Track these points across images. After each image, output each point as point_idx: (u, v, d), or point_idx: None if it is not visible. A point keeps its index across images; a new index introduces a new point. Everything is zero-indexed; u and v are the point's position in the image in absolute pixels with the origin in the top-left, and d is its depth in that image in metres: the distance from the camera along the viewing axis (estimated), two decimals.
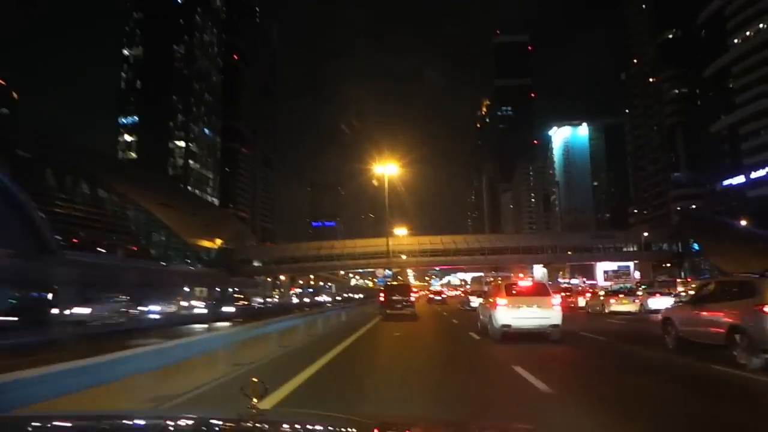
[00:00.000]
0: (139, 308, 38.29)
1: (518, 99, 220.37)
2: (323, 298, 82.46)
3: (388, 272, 75.29)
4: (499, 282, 19.21)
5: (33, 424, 1.91)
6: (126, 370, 4.97)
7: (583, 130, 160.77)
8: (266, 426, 1.79)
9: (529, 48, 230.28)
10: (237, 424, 1.85)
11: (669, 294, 33.79)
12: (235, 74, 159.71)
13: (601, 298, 33.18)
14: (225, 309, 47.08)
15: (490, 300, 14.91)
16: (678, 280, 62.93)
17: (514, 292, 14.20)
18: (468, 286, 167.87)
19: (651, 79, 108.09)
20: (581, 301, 36.48)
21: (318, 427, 1.98)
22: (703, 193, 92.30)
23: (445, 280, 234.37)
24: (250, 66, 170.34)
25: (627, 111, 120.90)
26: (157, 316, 37.92)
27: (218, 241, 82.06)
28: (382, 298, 27.23)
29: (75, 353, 5.10)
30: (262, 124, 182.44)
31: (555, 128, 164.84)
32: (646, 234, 77.77)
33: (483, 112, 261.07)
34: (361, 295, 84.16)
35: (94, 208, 59.94)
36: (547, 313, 13.36)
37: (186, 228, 73.33)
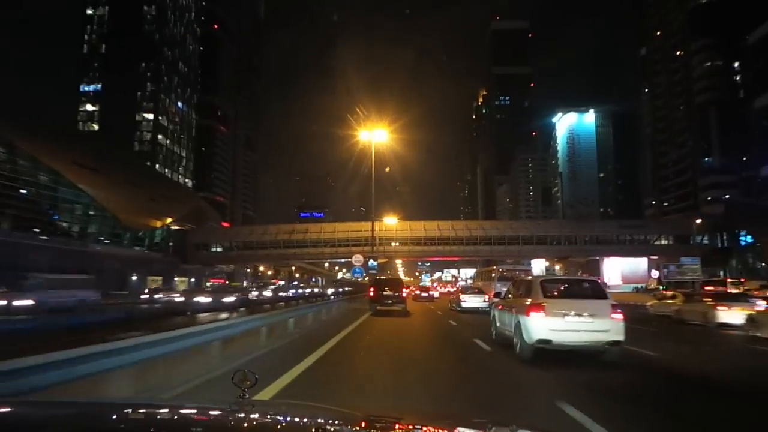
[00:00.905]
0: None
1: (517, 88, 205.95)
2: (291, 292, 66.50)
3: (372, 263, 59.36)
4: (530, 277, 12.19)
5: (25, 410, 1.86)
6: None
7: (589, 117, 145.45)
8: (256, 415, 1.74)
9: (530, 35, 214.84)
10: (226, 414, 1.78)
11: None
12: (215, 45, 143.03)
13: (706, 302, 19.85)
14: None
15: (519, 302, 9.89)
16: (729, 279, 48.89)
17: (554, 292, 9.56)
18: (462, 283, 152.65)
19: (678, 52, 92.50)
20: None
21: (305, 419, 1.92)
22: (740, 180, 77.02)
23: (435, 275, 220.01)
24: (233, 39, 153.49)
25: (646, 90, 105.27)
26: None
27: (168, 220, 65.48)
28: (372, 293, 25.23)
29: None
30: (245, 103, 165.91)
31: (560, 115, 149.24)
32: (698, 221, 62.01)
33: (479, 103, 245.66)
34: (346, 289, 68.45)
35: None
36: (604, 324, 8.82)
37: (124, 201, 56.83)
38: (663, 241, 68.00)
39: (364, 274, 47.35)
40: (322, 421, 1.85)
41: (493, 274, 35.11)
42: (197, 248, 67.26)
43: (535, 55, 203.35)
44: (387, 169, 62.28)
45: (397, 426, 1.91)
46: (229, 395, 1.89)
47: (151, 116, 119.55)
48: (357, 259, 37.14)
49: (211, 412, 1.96)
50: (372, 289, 26.05)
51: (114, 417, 1.77)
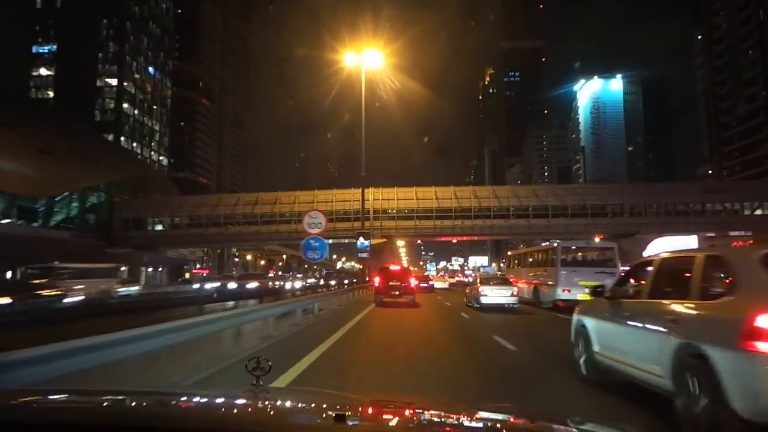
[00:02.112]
0: None
1: (528, 63, 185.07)
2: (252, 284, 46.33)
3: (363, 242, 40.13)
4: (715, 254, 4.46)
5: (45, 398, 1.86)
6: None
7: (616, 84, 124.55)
8: (267, 403, 1.74)
9: (541, 6, 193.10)
10: (240, 401, 1.83)
11: None
12: (194, 6, 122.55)
13: None
14: None
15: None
16: None
17: None
18: (470, 273, 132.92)
19: None
20: None
21: (313, 404, 1.93)
22: None
23: (441, 264, 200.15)
24: (215, 1, 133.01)
25: (699, 37, 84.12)
26: None
27: (81, 186, 45.55)
28: (378, 284, 21.94)
29: None
30: (232, 75, 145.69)
31: (582, 82, 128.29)
32: None
33: (486, 82, 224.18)
34: (330, 283, 49.36)
35: None
36: None
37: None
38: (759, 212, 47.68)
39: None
40: (335, 406, 1.78)
41: (558, 255, 19.24)
42: (126, 226, 47.17)
43: (548, 26, 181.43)
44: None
45: (407, 411, 1.85)
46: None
47: (114, 82, 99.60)
48: (307, 218, 17.11)
49: (225, 399, 1.96)
50: (378, 280, 22.15)
51: (129, 405, 1.75)
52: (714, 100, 79.98)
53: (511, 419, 1.85)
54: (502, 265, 63.88)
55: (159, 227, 50.46)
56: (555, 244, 21.26)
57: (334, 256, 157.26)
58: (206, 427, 1.42)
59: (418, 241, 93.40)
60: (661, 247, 46.98)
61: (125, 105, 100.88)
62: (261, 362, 1.83)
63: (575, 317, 6.50)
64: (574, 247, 21.71)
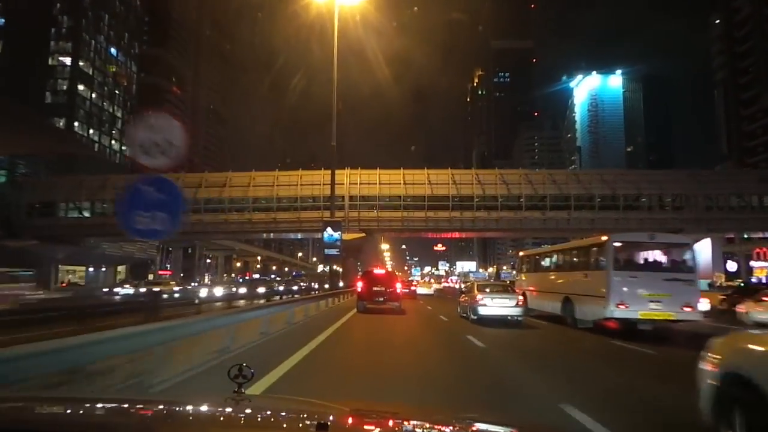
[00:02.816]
0: None
1: (518, 64, 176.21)
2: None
3: (331, 235, 28.67)
4: None
5: (21, 404, 1.79)
6: None
7: (615, 81, 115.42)
8: (249, 411, 1.73)
9: (532, 6, 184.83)
10: (220, 409, 1.79)
11: None
12: None
13: None
14: None
15: None
16: None
17: None
18: (457, 280, 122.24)
19: None
20: None
21: (295, 413, 1.87)
22: None
23: (426, 269, 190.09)
24: None
25: (717, 22, 74.82)
26: None
27: None
28: (360, 289, 20.02)
29: None
30: (209, 65, 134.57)
31: (579, 77, 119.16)
32: None
33: (475, 84, 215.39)
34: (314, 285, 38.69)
35: None
36: None
37: None
38: None
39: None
40: (317, 415, 1.73)
41: (609, 254, 13.20)
42: (31, 212, 35.57)
43: (540, 25, 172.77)
44: None
45: (390, 420, 1.81)
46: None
47: (68, 60, 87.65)
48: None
49: (207, 407, 1.89)
50: (361, 285, 20.30)
51: (109, 412, 1.70)
52: (734, 91, 70.55)
53: (494, 430, 1.77)
54: (512, 269, 53.23)
55: (86, 214, 38.80)
56: (603, 238, 14.06)
57: (314, 259, 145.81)
58: None
59: (403, 246, 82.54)
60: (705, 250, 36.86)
61: (81, 87, 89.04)
62: (243, 370, 1.77)
63: (713, 366, 3.49)
64: (632, 242, 14.66)
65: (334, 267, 32.77)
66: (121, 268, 77.00)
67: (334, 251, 29.31)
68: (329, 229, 29.06)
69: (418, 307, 24.30)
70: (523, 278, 20.57)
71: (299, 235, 45.07)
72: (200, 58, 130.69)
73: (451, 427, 1.80)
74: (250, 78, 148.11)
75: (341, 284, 31.38)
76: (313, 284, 44.63)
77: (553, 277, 17.56)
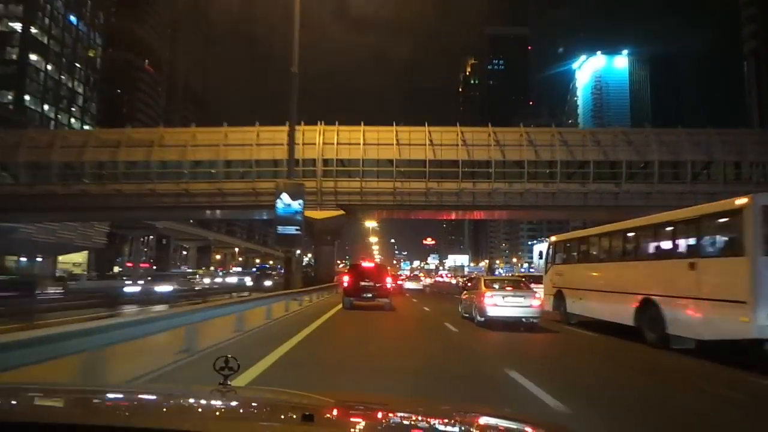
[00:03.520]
0: None
1: (512, 51, 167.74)
2: None
3: (288, 205, 16.49)
4: None
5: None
6: None
7: (621, 62, 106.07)
8: (235, 402, 1.69)
9: None
10: (205, 400, 1.74)
11: None
12: None
13: None
14: None
15: None
16: None
17: None
18: (448, 274, 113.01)
19: None
20: None
21: (281, 404, 1.84)
22: None
23: (415, 264, 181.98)
24: None
25: None
26: None
27: None
28: (346, 284, 18.15)
29: None
30: (189, 45, 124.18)
31: (583, 58, 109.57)
32: None
33: (468, 72, 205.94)
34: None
35: None
36: None
37: None
38: None
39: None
40: (303, 406, 1.71)
41: (752, 226, 7.72)
42: None
43: (536, 7, 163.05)
44: None
45: (379, 412, 1.77)
46: None
47: (18, 26, 76.50)
48: None
49: (193, 398, 1.86)
50: (347, 279, 18.44)
51: (95, 401, 1.68)
52: (763, 68, 61.17)
53: (482, 421, 1.70)
54: (506, 263, 42.54)
55: None
56: (741, 201, 8.19)
57: (298, 252, 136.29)
58: (174, 427, 1.33)
59: (392, 240, 71.99)
60: None
61: (33, 57, 77.98)
62: (229, 361, 1.73)
63: None
64: None
65: (299, 254, 22.74)
66: (80, 258, 66.71)
67: (292, 230, 19.20)
68: (284, 197, 18.96)
69: (410, 307, 20.08)
70: (559, 272, 15.19)
71: (256, 215, 34.68)
72: (178, 35, 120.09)
73: (446, 420, 1.67)
74: (231, 56, 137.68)
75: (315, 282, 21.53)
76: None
77: (618, 269, 12.11)
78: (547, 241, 17.82)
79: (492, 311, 12.62)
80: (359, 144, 27.28)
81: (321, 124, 27.39)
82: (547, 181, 26.98)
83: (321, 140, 26.82)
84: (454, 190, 26.85)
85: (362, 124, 27.47)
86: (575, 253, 14.75)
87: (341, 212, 27.16)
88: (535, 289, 14.10)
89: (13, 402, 1.53)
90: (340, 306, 17.28)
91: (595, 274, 13.36)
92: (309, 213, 26.70)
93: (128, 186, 26.03)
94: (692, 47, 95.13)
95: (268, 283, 32.02)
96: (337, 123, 27.46)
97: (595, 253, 13.81)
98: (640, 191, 26.92)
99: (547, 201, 27.72)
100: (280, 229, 18.99)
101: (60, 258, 61.37)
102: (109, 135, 27.07)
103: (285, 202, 18.85)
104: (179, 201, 26.67)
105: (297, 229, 19.03)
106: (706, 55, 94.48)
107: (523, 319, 12.65)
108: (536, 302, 12.70)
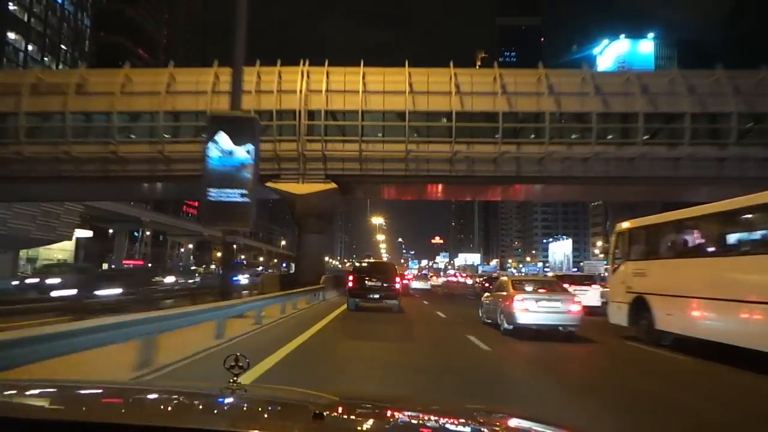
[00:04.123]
0: None
1: (525, 42, 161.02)
2: None
3: (230, 152, 7.59)
4: None
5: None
6: None
7: (647, 46, 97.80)
8: (245, 400, 1.69)
9: None
10: (216, 398, 1.74)
11: None
12: None
13: None
14: None
15: None
16: None
17: None
18: (457, 273, 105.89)
19: None
20: None
21: (292, 403, 1.85)
22: None
23: (423, 263, 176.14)
24: None
25: None
26: None
27: None
28: (352, 284, 16.67)
29: None
30: (186, 30, 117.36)
31: (605, 43, 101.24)
32: None
33: (478, 66, 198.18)
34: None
35: None
36: None
37: None
38: None
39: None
40: (314, 404, 1.71)
41: None
42: None
43: None
44: None
45: (388, 411, 1.75)
46: None
47: None
48: None
49: (203, 396, 1.85)
50: (352, 279, 16.84)
51: (103, 398, 1.66)
52: None
53: (496, 421, 1.67)
54: (518, 263, 33.76)
55: None
56: None
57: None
58: (186, 425, 1.31)
59: (399, 239, 63.76)
60: None
61: (12, 35, 70.86)
62: (239, 359, 1.70)
63: None
64: None
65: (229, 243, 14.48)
66: (61, 255, 59.49)
67: (235, 195, 11.22)
68: (221, 138, 10.92)
69: (421, 312, 17.00)
70: (640, 270, 10.60)
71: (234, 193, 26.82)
72: (176, 18, 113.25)
73: (461, 420, 1.61)
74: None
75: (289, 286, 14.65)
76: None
77: (756, 266, 7.54)
78: (613, 231, 12.56)
79: (523, 318, 11.03)
80: (357, 91, 19.29)
81: (305, 64, 19.46)
82: (622, 142, 18.88)
83: (304, 85, 18.97)
84: (492, 154, 18.75)
85: (362, 64, 19.44)
86: (670, 243, 10.16)
87: (332, 185, 19.16)
88: (573, 291, 12.59)
89: (23, 397, 1.47)
90: (327, 323, 12.04)
91: (709, 274, 8.92)
92: (288, 186, 18.82)
93: (33, 148, 18.16)
94: (721, 31, 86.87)
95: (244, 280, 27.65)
96: (327, 63, 19.47)
97: (709, 242, 9.24)
98: (752, 156, 18.79)
99: (621, 170, 19.35)
100: (213, 194, 10.96)
101: (29, 253, 53.97)
102: (9, 76, 19.37)
103: (222, 146, 10.82)
104: (108, 169, 18.82)
105: (243, 195, 10.99)
106: (736, 38, 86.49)
107: (560, 328, 11.12)
108: (575, 307, 10.98)
